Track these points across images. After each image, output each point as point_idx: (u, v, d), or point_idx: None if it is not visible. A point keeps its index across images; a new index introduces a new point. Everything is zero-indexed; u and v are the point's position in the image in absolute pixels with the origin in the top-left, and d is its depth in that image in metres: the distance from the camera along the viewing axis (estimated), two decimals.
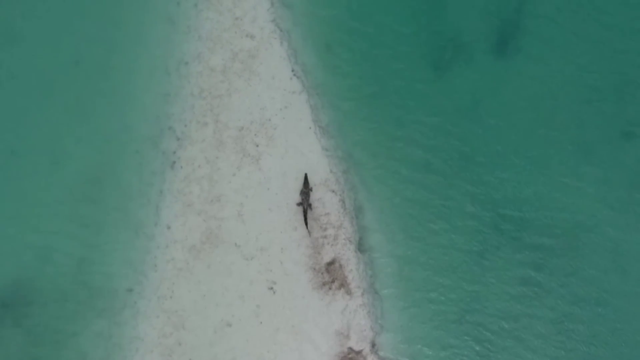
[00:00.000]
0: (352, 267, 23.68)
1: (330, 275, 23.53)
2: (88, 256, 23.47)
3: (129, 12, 25.04)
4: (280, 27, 24.98)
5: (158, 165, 24.10)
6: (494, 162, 24.50)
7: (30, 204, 23.80)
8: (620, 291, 23.64)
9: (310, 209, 23.66)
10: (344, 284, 23.51)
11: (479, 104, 24.92)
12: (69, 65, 24.76)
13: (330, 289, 23.42)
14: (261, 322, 23.11)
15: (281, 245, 23.59)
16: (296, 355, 22.97)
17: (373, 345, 23.24)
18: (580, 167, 24.46)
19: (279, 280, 23.38)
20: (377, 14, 25.39)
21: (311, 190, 23.74)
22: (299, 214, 23.74)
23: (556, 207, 24.17)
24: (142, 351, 22.86)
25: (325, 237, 23.78)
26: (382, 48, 25.16)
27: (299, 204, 23.68)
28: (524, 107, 24.85)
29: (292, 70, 24.67)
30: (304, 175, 23.82)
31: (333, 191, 24.01)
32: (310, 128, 24.36)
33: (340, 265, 23.67)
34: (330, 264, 23.64)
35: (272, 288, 23.34)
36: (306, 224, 23.58)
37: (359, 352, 23.08)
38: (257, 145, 24.19)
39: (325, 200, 23.95)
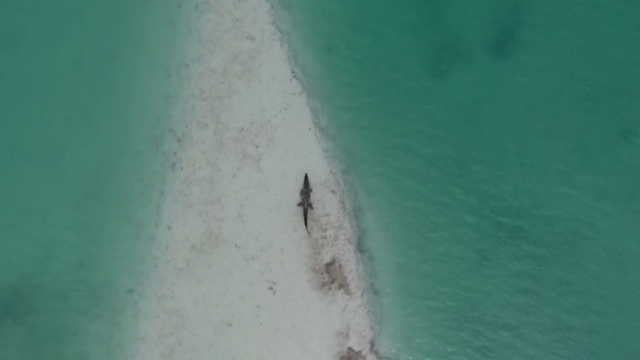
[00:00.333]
0: (352, 267, 23.76)
1: (330, 276, 23.61)
2: (89, 256, 23.59)
3: (130, 14, 25.23)
4: (280, 29, 25.13)
5: (159, 166, 24.22)
6: (492, 167, 24.61)
7: (32, 205, 23.92)
8: (619, 289, 23.73)
9: (311, 208, 23.76)
10: (343, 285, 23.59)
11: (477, 108, 25.08)
12: (70, 66, 24.95)
13: (330, 289, 23.50)
14: (261, 322, 23.20)
15: (281, 246, 23.68)
16: (296, 355, 23.04)
17: (372, 345, 23.31)
18: (577, 173, 24.57)
19: (279, 281, 23.47)
20: (377, 18, 25.56)
21: (311, 190, 23.85)
22: (298, 215, 23.84)
23: (554, 214, 24.25)
24: (142, 351, 22.93)
25: (325, 237, 23.87)
26: (381, 51, 25.34)
27: (299, 204, 23.79)
28: (521, 113, 25.00)
29: (292, 72, 24.79)
30: (304, 176, 23.94)
31: (333, 192, 24.12)
32: (310, 129, 24.48)
33: (340, 266, 23.76)
34: (330, 264, 23.72)
35: (272, 288, 23.42)
36: (306, 224, 23.68)
37: (358, 352, 23.15)
38: (257, 147, 24.29)
39: (325, 201, 24.05)
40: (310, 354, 23.07)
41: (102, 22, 25.14)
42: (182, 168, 24.14)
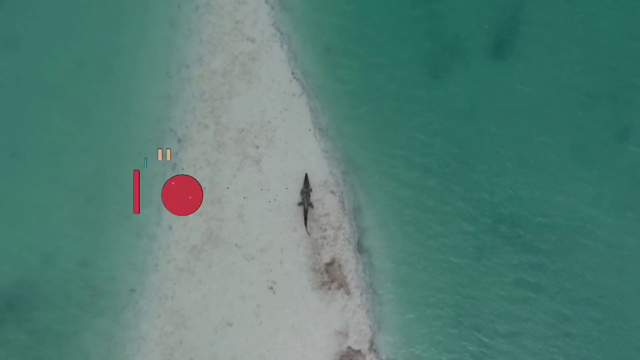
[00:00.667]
0: (351, 267, 23.87)
1: (330, 276, 23.71)
2: (90, 257, 23.69)
3: (131, 15, 25.29)
4: (280, 30, 25.20)
5: (160, 167, 24.30)
6: (491, 166, 24.75)
7: (33, 206, 24.01)
8: (616, 294, 23.88)
9: (312, 207, 23.87)
10: (343, 284, 23.69)
11: (476, 108, 25.19)
12: (71, 68, 25.02)
13: (329, 289, 23.60)
14: (261, 322, 23.30)
15: (281, 246, 23.79)
16: (296, 354, 23.16)
17: (372, 344, 23.42)
18: (576, 171, 24.71)
19: (279, 280, 23.57)
20: (376, 19, 25.64)
21: (311, 190, 23.95)
22: (298, 215, 23.95)
23: (552, 212, 24.40)
24: (143, 350, 23.05)
25: (324, 237, 23.98)
26: (380, 52, 25.43)
27: (299, 204, 23.90)
28: (521, 113, 25.12)
29: (292, 73, 24.88)
30: (304, 175, 24.06)
31: (332, 192, 24.22)
32: (310, 130, 24.57)
33: (340, 266, 23.85)
34: (330, 264, 23.82)
35: (272, 288, 23.53)
36: (306, 224, 23.78)
37: (357, 351, 23.25)
38: (258, 147, 24.39)
39: (325, 201, 24.15)
40: (310, 353, 23.18)
41: (104, 24, 25.20)
42: (182, 169, 24.24)
